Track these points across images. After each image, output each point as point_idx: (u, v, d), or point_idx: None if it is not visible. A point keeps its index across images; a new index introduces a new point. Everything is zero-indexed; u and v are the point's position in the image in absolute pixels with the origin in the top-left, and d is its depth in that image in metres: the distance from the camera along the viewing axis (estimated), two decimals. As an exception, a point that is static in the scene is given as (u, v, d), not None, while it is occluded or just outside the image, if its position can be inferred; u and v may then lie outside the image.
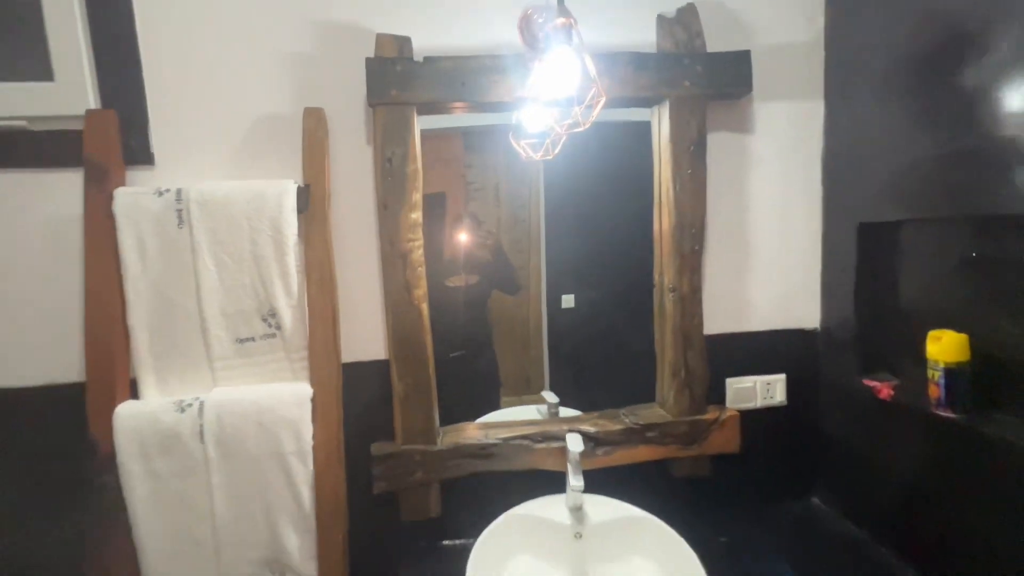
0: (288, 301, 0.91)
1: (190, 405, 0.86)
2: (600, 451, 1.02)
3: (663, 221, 1.04)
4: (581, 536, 0.92)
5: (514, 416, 1.10)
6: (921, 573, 0.90)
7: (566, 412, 1.10)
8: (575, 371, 1.14)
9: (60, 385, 0.93)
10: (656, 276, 1.07)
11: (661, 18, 1.02)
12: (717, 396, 1.10)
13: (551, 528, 0.93)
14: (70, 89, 0.91)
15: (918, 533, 0.92)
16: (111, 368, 0.87)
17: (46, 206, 0.93)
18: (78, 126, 0.91)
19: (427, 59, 0.94)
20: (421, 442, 0.98)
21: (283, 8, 0.96)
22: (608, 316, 1.14)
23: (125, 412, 0.85)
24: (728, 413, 1.06)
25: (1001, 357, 0.80)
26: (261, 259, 0.90)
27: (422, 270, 0.97)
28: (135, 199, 0.88)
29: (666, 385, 1.07)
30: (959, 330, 0.83)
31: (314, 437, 0.89)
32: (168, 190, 0.89)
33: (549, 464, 1.01)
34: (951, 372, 0.82)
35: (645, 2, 1.02)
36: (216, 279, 0.89)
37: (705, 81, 0.99)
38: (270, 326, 0.91)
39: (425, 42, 0.96)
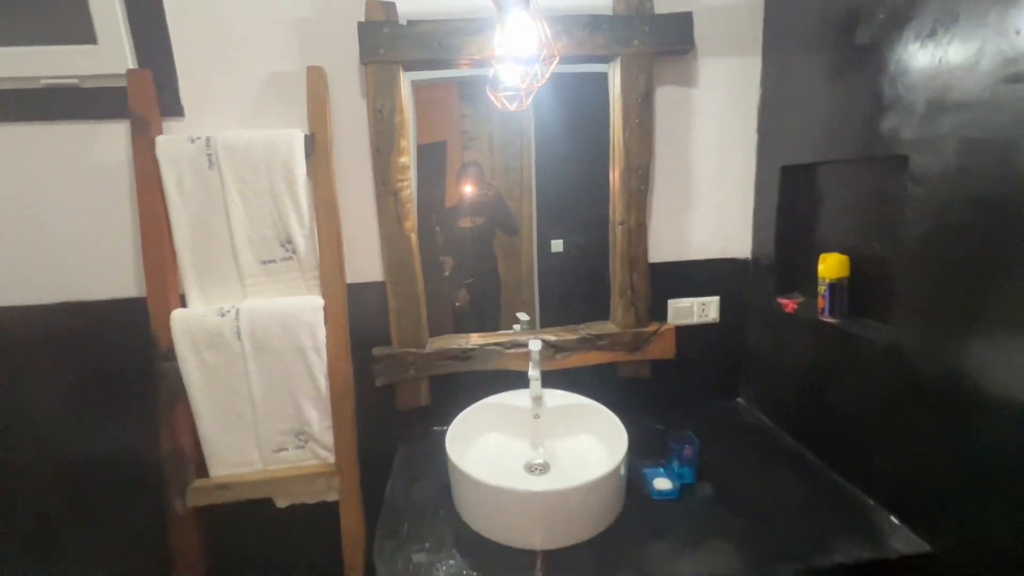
0: (301, 231, 1.11)
1: (228, 312, 1.08)
2: (559, 355, 1.25)
3: (616, 164, 1.21)
4: (539, 417, 1.14)
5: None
6: (813, 452, 1.11)
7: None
8: (559, 303, 1.31)
9: (121, 299, 1.16)
10: (611, 212, 1.25)
11: (616, -18, 1.14)
12: (661, 314, 1.30)
13: (515, 411, 1.14)
14: (111, 51, 1.07)
15: (808, 418, 1.14)
16: (164, 282, 1.08)
17: (97, 152, 1.11)
18: (119, 83, 1.07)
19: (410, 22, 1.09)
20: (413, 346, 1.21)
21: (287, -24, 1.09)
22: (591, 259, 1.28)
23: (179, 316, 1.08)
24: (666, 327, 1.27)
25: (872, 273, 0.99)
26: (277, 196, 1.09)
27: (411, 206, 1.16)
28: (173, 145, 1.06)
29: (616, 303, 1.28)
30: (844, 253, 1.02)
31: (327, 337, 1.12)
32: (199, 138, 1.07)
33: (516, 365, 1.24)
34: (832, 286, 1.02)
35: (603, -33, 1.13)
36: (242, 211, 1.09)
37: (653, 40, 1.13)
38: (287, 250, 1.12)
39: (410, 6, 1.10)
